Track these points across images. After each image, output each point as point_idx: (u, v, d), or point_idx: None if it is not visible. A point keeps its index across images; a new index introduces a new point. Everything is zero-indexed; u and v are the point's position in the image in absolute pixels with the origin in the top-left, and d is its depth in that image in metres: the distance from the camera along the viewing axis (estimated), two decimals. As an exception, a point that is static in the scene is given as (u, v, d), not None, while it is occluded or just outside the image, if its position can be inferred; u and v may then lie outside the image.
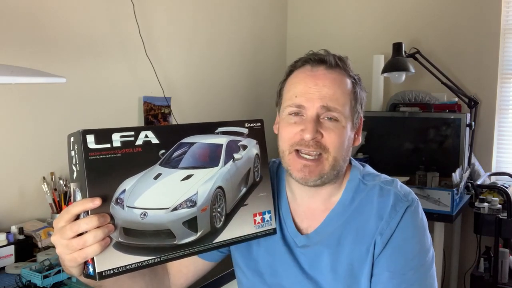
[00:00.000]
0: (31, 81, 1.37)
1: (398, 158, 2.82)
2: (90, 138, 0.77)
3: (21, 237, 1.60)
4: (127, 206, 0.79)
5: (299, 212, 1.02)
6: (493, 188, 2.58)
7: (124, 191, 0.79)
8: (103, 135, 0.79)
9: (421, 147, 2.77)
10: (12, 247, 1.55)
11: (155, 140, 0.84)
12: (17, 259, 1.55)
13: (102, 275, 0.76)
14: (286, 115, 0.96)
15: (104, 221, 0.75)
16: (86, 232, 0.74)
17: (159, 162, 0.84)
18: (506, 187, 2.50)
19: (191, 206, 0.85)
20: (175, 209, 0.84)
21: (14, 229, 1.61)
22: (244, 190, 0.95)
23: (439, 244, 2.44)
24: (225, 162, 0.92)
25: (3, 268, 1.50)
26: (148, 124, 2.28)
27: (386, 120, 2.86)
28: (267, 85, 3.19)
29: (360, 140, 1.02)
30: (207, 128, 0.92)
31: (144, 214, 0.81)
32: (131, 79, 2.24)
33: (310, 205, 1.01)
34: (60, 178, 1.83)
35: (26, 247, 1.59)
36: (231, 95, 2.91)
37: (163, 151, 0.85)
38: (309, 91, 0.93)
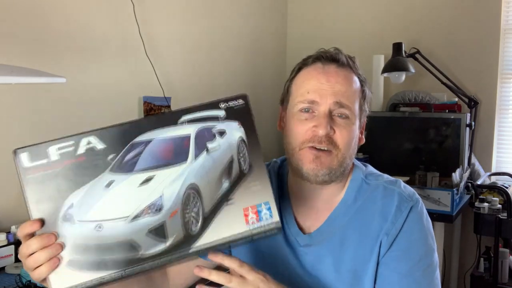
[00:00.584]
0: (31, 81, 1.37)
1: (398, 158, 2.82)
2: (24, 157, 0.74)
3: (21, 237, 1.60)
4: (78, 221, 0.74)
5: (302, 211, 1.02)
6: (493, 188, 2.58)
7: (72, 205, 0.74)
8: (38, 150, 0.74)
9: (421, 147, 2.77)
10: (12, 247, 1.55)
11: (100, 145, 0.76)
12: (17, 259, 1.55)
13: None
14: (297, 112, 0.95)
15: (49, 241, 0.73)
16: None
17: (108, 169, 0.76)
18: (506, 187, 2.50)
19: (156, 212, 0.76)
20: (136, 217, 0.75)
21: (14, 229, 1.61)
22: (227, 184, 0.81)
23: (439, 244, 2.43)
24: (196, 155, 0.80)
25: (3, 268, 1.50)
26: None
27: (386, 120, 2.86)
28: (267, 84, 3.18)
29: (364, 140, 1.02)
30: (168, 119, 0.79)
31: (99, 227, 0.74)
32: (131, 79, 2.24)
33: (312, 204, 1.00)
34: (60, 178, 1.83)
35: (26, 247, 1.59)
36: (231, 94, 2.90)
37: (112, 155, 0.76)
38: (322, 87, 0.93)
